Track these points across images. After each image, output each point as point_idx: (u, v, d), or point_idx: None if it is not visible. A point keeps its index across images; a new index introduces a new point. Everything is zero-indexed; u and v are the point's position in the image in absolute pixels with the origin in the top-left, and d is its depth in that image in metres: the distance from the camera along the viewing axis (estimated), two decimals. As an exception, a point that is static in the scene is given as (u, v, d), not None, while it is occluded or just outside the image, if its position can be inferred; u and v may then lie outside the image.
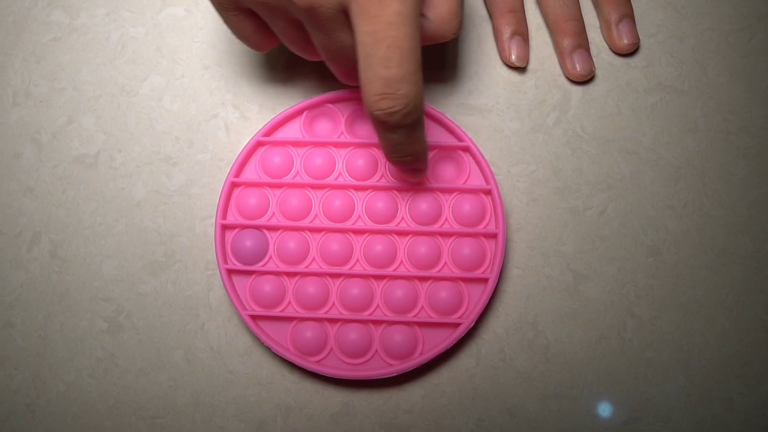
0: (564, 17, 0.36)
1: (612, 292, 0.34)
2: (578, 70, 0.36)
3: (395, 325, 0.33)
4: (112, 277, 0.35)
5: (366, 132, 0.35)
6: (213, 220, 0.35)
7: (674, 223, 0.35)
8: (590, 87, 0.36)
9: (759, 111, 0.36)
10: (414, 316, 0.33)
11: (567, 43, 0.36)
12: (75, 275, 0.35)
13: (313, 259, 0.34)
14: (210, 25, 0.38)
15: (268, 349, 0.33)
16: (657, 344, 0.34)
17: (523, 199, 0.35)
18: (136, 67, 0.37)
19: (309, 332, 0.32)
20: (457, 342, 0.32)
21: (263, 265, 0.33)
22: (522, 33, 0.36)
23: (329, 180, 0.34)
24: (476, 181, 0.34)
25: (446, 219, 0.34)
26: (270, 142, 0.34)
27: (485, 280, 0.33)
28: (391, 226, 0.34)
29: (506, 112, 0.36)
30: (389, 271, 0.33)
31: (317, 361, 0.32)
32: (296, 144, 0.35)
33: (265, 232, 0.34)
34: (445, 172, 0.34)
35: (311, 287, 0.33)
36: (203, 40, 0.38)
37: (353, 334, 0.32)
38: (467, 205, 0.33)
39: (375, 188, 0.34)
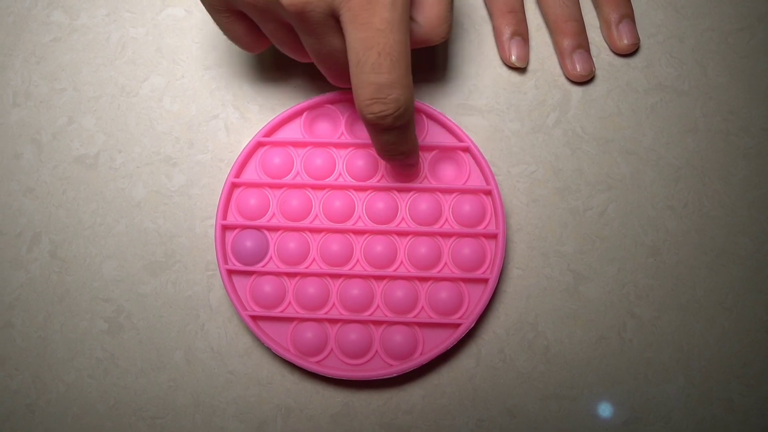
0: (564, 17, 0.36)
1: (612, 292, 0.34)
2: (578, 70, 0.36)
3: (395, 325, 0.33)
4: (113, 277, 0.35)
5: (366, 133, 0.35)
6: (213, 221, 0.35)
7: (674, 224, 0.35)
8: (590, 87, 0.36)
9: (759, 111, 0.36)
10: (414, 317, 0.33)
11: (567, 43, 0.36)
12: (75, 276, 0.35)
13: (314, 259, 0.34)
14: (210, 25, 0.38)
15: (269, 349, 0.33)
16: (657, 344, 0.34)
17: (523, 199, 0.35)
18: (136, 68, 0.37)
19: (309, 333, 0.32)
20: (457, 342, 0.32)
21: (263, 266, 0.33)
22: (522, 33, 0.36)
23: (329, 180, 0.34)
24: (476, 181, 0.34)
25: (446, 219, 0.34)
26: (270, 142, 0.34)
27: (485, 281, 0.33)
28: (392, 226, 0.34)
29: (506, 112, 0.36)
30: (389, 271, 0.33)
31: (317, 362, 0.32)
32: (296, 144, 0.35)
33: (266, 232, 0.34)
34: (445, 173, 0.35)
35: (311, 288, 0.33)
36: (203, 40, 0.38)
37: (353, 334, 0.32)
38: (467, 205, 0.33)
39: (375, 189, 0.34)
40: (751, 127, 0.36)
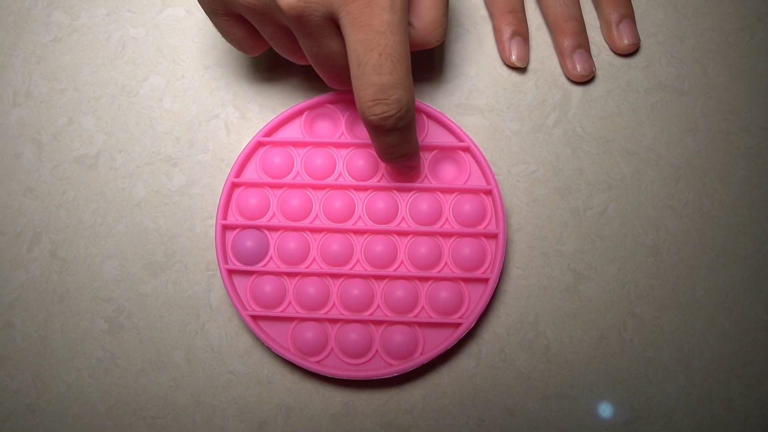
0: (564, 17, 0.36)
1: (612, 292, 0.34)
2: (578, 70, 0.36)
3: (396, 325, 0.33)
4: (113, 277, 0.35)
5: (366, 132, 0.35)
6: (213, 221, 0.35)
7: (674, 223, 0.35)
8: (590, 87, 0.36)
9: (759, 111, 0.36)
10: (414, 317, 0.33)
11: (567, 43, 0.36)
12: (75, 275, 0.35)
13: (314, 259, 0.34)
14: (210, 25, 0.38)
15: (269, 349, 0.33)
16: (657, 344, 0.34)
17: (524, 199, 0.35)
18: (136, 68, 0.37)
19: (309, 332, 0.32)
20: (457, 342, 0.32)
21: (264, 266, 0.33)
22: (522, 33, 0.36)
23: (330, 180, 0.34)
24: (477, 181, 0.34)
25: (447, 219, 0.34)
26: (270, 142, 0.34)
27: (486, 280, 0.33)
28: (392, 226, 0.34)
29: (506, 112, 0.36)
30: (390, 271, 0.33)
31: (318, 362, 0.32)
32: (297, 144, 0.35)
33: (266, 232, 0.34)
34: (446, 173, 0.35)
35: (312, 287, 0.33)
36: (203, 40, 0.38)
37: (354, 334, 0.32)
38: (468, 205, 0.33)
39: (375, 188, 0.34)
40: (751, 126, 0.36)
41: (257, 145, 0.34)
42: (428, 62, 0.37)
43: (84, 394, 0.34)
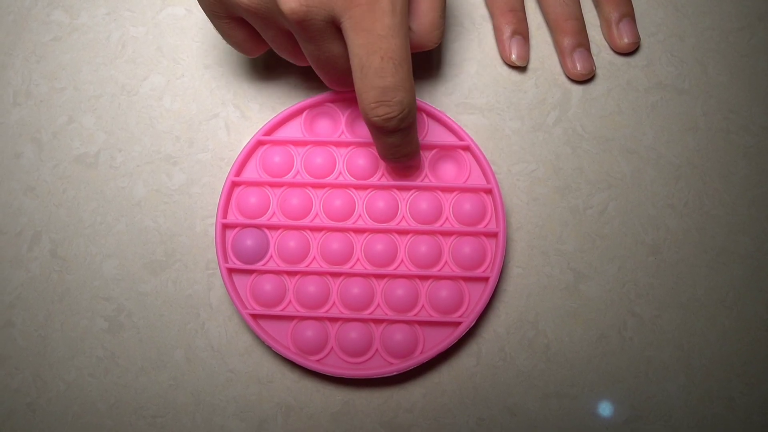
0: (564, 16, 0.36)
1: (612, 290, 0.34)
2: (579, 69, 0.36)
3: (396, 324, 0.33)
4: (113, 276, 0.35)
5: (366, 131, 0.35)
6: (213, 220, 0.35)
7: (675, 222, 0.35)
8: (590, 86, 0.36)
9: (759, 110, 0.36)
10: (414, 315, 0.33)
11: (567, 42, 0.36)
12: (75, 274, 0.35)
13: (314, 258, 0.34)
14: (210, 24, 0.38)
15: (269, 348, 0.33)
16: (657, 343, 0.34)
17: (524, 198, 0.35)
18: (136, 67, 0.37)
19: (309, 331, 0.32)
20: (457, 341, 0.32)
21: (264, 264, 0.33)
22: (522, 32, 0.36)
23: (330, 179, 0.34)
24: (477, 180, 0.34)
25: (447, 218, 0.34)
26: (270, 141, 0.34)
27: (486, 279, 0.33)
28: (392, 225, 0.34)
29: (506, 111, 0.36)
30: (390, 270, 0.33)
31: (318, 360, 0.32)
32: (297, 143, 0.35)
33: (266, 231, 0.34)
34: (446, 172, 0.35)
35: (312, 286, 0.33)
36: (203, 39, 0.38)
37: (354, 333, 0.32)
38: (468, 204, 0.33)
39: (375, 187, 0.34)
40: (751, 125, 0.36)
41: (257, 144, 0.34)
42: (428, 61, 0.37)
43: (84, 393, 0.34)
